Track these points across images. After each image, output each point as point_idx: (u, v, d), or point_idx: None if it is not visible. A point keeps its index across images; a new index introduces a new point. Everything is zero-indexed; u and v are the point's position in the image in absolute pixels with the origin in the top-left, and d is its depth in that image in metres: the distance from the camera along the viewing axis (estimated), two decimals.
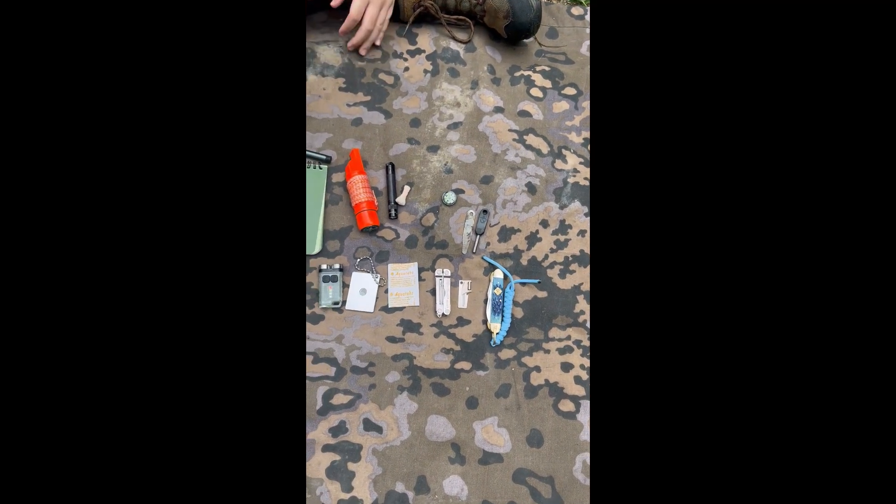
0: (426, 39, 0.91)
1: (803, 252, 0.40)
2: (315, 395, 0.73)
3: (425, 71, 0.89)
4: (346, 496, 0.69)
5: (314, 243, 0.79)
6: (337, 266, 0.78)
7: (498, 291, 0.78)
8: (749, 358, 0.40)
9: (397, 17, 0.90)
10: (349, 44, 0.87)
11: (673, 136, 0.42)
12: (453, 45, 0.91)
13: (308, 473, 0.69)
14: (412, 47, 0.90)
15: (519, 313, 0.79)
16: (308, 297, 0.77)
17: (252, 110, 0.43)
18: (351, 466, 0.70)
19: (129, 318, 0.40)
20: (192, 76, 0.41)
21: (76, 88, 0.40)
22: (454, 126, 0.87)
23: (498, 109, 0.89)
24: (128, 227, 0.40)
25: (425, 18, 0.92)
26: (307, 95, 0.86)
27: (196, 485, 0.40)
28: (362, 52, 0.88)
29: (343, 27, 0.84)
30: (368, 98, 0.87)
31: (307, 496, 0.68)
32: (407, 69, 0.89)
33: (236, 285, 0.41)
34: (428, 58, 0.90)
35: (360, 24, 0.84)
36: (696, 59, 0.42)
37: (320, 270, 0.77)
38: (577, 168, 0.87)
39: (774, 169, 0.41)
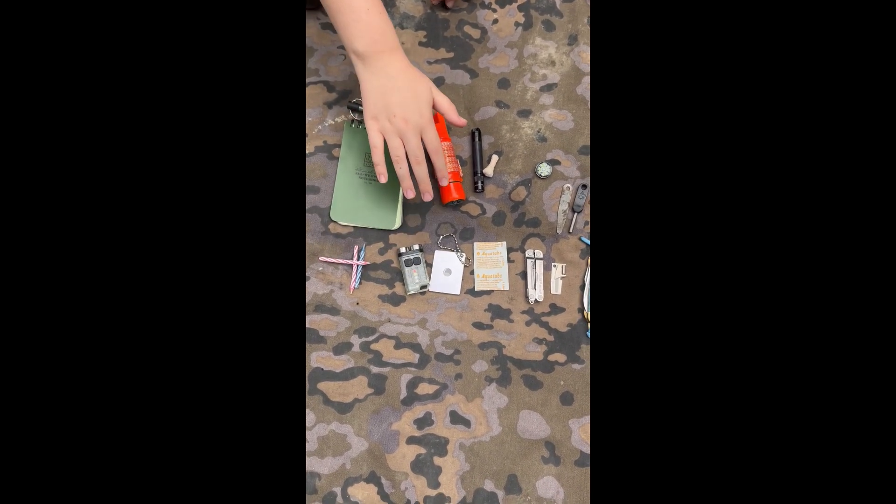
0: None
1: (803, 254, 0.39)
2: (399, 384, 0.68)
3: (516, 24, 0.79)
4: (433, 492, 0.65)
5: (394, 218, 0.72)
6: (417, 247, 0.71)
7: None
8: (750, 360, 0.40)
9: None
10: None
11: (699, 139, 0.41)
12: None
13: (392, 466, 0.65)
14: None
15: None
16: (388, 276, 0.71)
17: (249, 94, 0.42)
18: (437, 461, 0.65)
19: (128, 309, 0.40)
20: (189, 69, 0.41)
21: (78, 88, 0.40)
22: (548, 88, 0.77)
23: None
24: (124, 222, 0.40)
25: None
26: None
27: (192, 483, 0.39)
28: (449, 3, 0.78)
29: None
30: (451, 55, 0.78)
31: (390, 491, 0.64)
32: (496, 21, 0.79)
33: (234, 277, 0.41)
34: (520, 8, 0.79)
35: None
36: (700, 58, 0.41)
37: (400, 254, 0.70)
38: None
39: (776, 171, 0.40)
